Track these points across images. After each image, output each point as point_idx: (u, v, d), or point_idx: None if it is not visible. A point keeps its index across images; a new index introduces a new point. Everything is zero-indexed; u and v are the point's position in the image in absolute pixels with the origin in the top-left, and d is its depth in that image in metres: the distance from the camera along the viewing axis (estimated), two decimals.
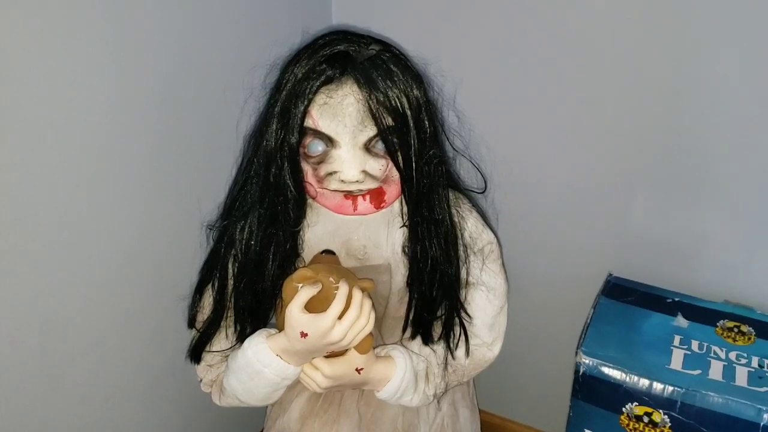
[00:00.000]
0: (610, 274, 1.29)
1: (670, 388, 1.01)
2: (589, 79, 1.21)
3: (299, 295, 0.84)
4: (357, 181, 0.86)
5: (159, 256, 1.13)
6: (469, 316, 1.00)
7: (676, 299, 1.21)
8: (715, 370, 1.04)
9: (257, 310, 0.95)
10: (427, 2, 1.29)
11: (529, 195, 1.35)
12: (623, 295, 1.23)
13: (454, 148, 0.97)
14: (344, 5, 1.38)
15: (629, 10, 1.13)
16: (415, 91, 0.86)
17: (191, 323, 1.01)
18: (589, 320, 1.18)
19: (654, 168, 1.24)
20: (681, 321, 1.15)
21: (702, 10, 1.07)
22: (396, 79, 0.84)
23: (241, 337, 0.95)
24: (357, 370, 0.92)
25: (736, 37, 1.07)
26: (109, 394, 1.12)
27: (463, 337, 1.00)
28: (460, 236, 0.96)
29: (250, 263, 0.93)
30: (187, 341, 1.02)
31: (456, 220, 0.96)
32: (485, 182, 1.00)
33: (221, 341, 0.99)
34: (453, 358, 1.02)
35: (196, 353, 1.00)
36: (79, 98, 0.92)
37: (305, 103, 0.84)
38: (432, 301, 0.96)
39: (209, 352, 1.00)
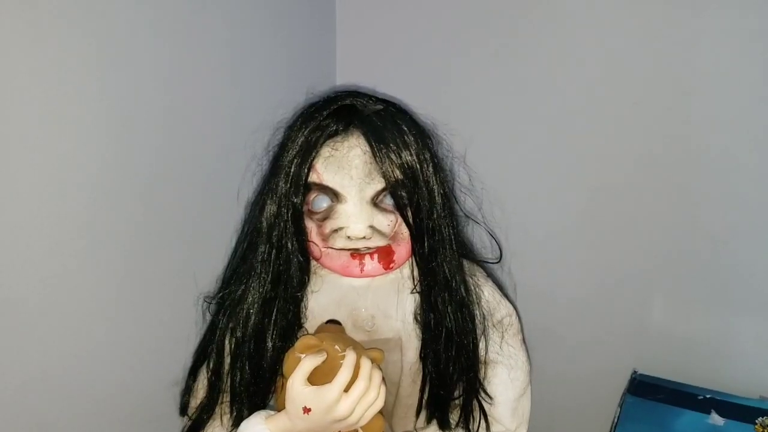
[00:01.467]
0: (635, 371, 1.21)
1: None
2: (608, 163, 1.21)
3: (302, 365, 0.77)
4: (364, 237, 0.82)
5: (151, 336, 1.04)
6: (490, 396, 0.91)
7: (708, 396, 1.13)
8: None
9: (255, 390, 0.86)
10: (433, 61, 1.31)
11: (547, 264, 1.30)
12: (650, 392, 1.15)
13: (465, 214, 0.93)
14: (348, 65, 1.40)
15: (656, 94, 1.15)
16: (423, 146, 0.85)
17: (183, 410, 0.92)
18: (616, 419, 1.10)
19: (674, 262, 1.21)
20: (716, 419, 1.08)
21: (726, 95, 1.10)
22: (404, 132, 0.83)
23: (237, 423, 0.85)
24: None
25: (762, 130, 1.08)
26: None
27: (483, 423, 0.90)
28: (476, 305, 0.90)
29: (249, 334, 0.86)
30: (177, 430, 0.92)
31: (471, 287, 0.90)
32: (500, 249, 0.95)
33: (215, 429, 0.89)
34: None
35: None
36: (70, 164, 0.88)
37: (310, 156, 0.82)
38: (448, 377, 0.88)
39: None
